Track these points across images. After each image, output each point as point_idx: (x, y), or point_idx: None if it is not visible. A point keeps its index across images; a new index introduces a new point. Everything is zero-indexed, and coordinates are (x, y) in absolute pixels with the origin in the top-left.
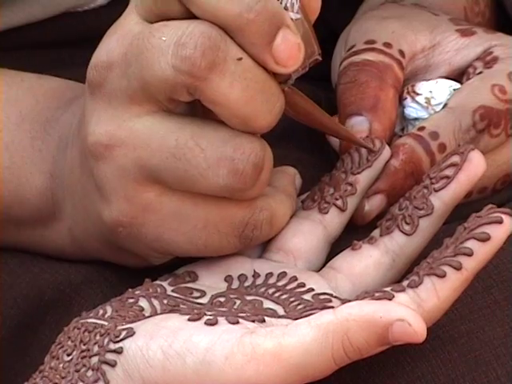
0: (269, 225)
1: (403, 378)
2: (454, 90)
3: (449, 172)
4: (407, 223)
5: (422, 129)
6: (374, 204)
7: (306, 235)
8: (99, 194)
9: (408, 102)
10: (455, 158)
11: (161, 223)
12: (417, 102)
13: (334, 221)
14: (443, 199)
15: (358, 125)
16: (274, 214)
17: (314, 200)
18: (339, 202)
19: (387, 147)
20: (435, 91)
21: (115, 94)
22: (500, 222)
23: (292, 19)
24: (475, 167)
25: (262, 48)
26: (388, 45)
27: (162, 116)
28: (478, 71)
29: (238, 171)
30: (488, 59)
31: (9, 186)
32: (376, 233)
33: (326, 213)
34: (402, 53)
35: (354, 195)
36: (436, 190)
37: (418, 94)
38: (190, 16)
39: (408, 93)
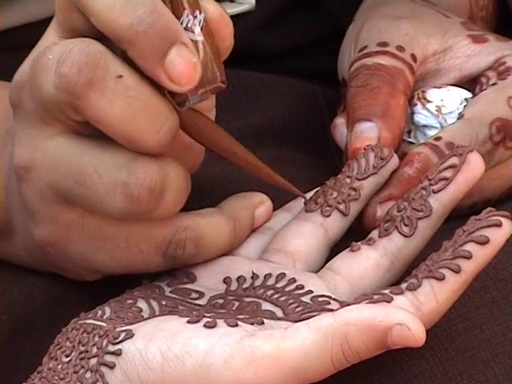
0: (193, 245)
1: (400, 377)
2: (466, 99)
3: (447, 174)
4: (406, 225)
5: (438, 139)
6: (386, 210)
7: (307, 237)
8: (27, 213)
9: (418, 108)
10: (454, 160)
11: (85, 242)
12: (427, 110)
13: (335, 224)
14: (442, 201)
15: (367, 131)
16: (201, 234)
17: (316, 203)
18: (342, 207)
19: (395, 156)
20: (446, 100)
21: (30, 114)
22: (499, 225)
23: (192, 40)
24: (474, 169)
25: (153, 62)
26: (401, 48)
27: (70, 138)
28: (491, 82)
29: (134, 196)
30: (501, 69)
31: None
32: (374, 234)
33: (328, 216)
34: (413, 57)
35: (357, 200)
36: (435, 192)
37: (428, 102)
38: (94, 29)
39: (419, 99)
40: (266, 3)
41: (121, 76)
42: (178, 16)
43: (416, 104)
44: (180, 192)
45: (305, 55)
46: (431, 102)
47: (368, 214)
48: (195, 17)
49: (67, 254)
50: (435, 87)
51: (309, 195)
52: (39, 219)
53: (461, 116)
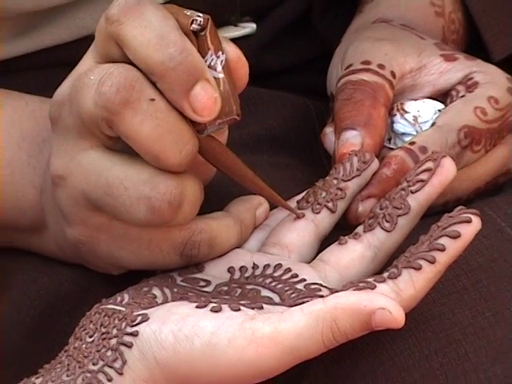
0: (207, 245)
1: (383, 354)
2: (439, 110)
3: (424, 176)
4: (387, 221)
5: (412, 143)
6: (367, 206)
7: (300, 232)
8: (61, 215)
9: (397, 118)
10: (429, 164)
11: (112, 243)
12: (405, 119)
13: (324, 220)
14: (418, 200)
15: (352, 138)
16: (214, 236)
17: (307, 201)
18: (330, 205)
19: (376, 160)
20: (422, 111)
21: (67, 129)
22: (469, 221)
23: (214, 77)
24: (447, 172)
25: (180, 95)
26: (381, 66)
27: (102, 152)
28: (460, 94)
29: (155, 208)
30: (469, 84)
31: (10, 199)
32: (360, 229)
33: (318, 213)
34: (393, 74)
35: (343, 199)
36: (412, 192)
37: (406, 112)
38: (128, 60)
39: (398, 110)
40: (265, 28)
41: (153, 99)
42: (203, 55)
43: (395, 114)
44: (195, 202)
45: (299, 73)
46: (409, 112)
47: (351, 211)
48: (218, 57)
49: (96, 252)
50: (412, 99)
51: (302, 195)
52: (71, 221)
53: (433, 124)
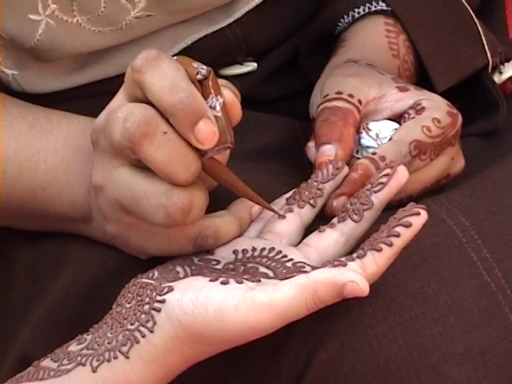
0: (213, 237)
1: (353, 316)
2: (395, 128)
3: (384, 180)
4: (356, 214)
5: (374, 154)
6: (340, 202)
7: (288, 222)
8: (101, 213)
9: (363, 134)
10: (388, 170)
11: (139, 236)
12: (369, 136)
13: (307, 213)
14: (380, 198)
15: (328, 151)
16: (218, 230)
17: (294, 199)
18: (312, 201)
19: (346, 167)
20: (382, 129)
21: (104, 150)
22: (418, 214)
23: (214, 115)
24: (401, 176)
25: (187, 129)
26: (351, 95)
27: (130, 169)
28: (411, 116)
29: (171, 214)
30: (418, 108)
31: (66, 198)
32: (335, 220)
33: (303, 208)
34: (359, 101)
35: (322, 197)
36: (375, 192)
37: (370, 130)
38: (148, 100)
39: (363, 128)
40: (265, 66)
41: (166, 132)
42: (206, 98)
43: (362, 132)
44: (202, 207)
45: (289, 101)
46: (372, 130)
47: (328, 206)
48: (217, 99)
49: (128, 243)
50: (374, 121)
51: (290, 194)
52: (109, 219)
53: (391, 139)
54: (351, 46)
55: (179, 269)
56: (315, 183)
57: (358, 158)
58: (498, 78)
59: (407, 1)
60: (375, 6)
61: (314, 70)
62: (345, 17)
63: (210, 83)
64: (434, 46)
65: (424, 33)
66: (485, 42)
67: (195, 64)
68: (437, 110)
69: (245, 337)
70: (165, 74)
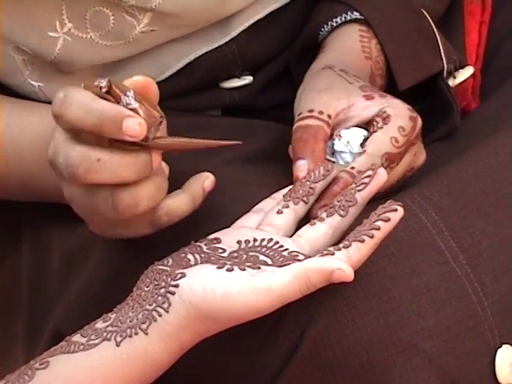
0: (166, 215)
1: (339, 297)
2: (364, 135)
3: (366, 180)
4: (342, 210)
5: (353, 168)
6: (323, 212)
7: (285, 216)
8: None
9: (336, 141)
10: (369, 172)
11: (107, 226)
12: (341, 142)
13: (301, 209)
14: (362, 196)
15: (302, 166)
16: (170, 208)
17: (290, 196)
18: (305, 199)
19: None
20: (352, 136)
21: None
22: (395, 210)
23: (132, 109)
24: (381, 178)
25: (116, 134)
26: (321, 112)
27: (83, 189)
28: (379, 125)
29: (119, 210)
30: (384, 116)
31: (49, 181)
32: (324, 215)
33: (297, 204)
34: (329, 116)
35: (313, 195)
36: (359, 191)
37: (341, 137)
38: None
39: (336, 135)
40: (259, 79)
41: (99, 159)
42: (118, 100)
43: (335, 138)
44: (151, 197)
45: (281, 109)
46: (343, 137)
47: (313, 213)
48: (127, 95)
49: (103, 231)
50: (345, 128)
51: (285, 190)
52: (85, 219)
53: (364, 150)
54: (329, 51)
55: (190, 256)
56: (308, 183)
57: (333, 162)
58: (452, 82)
59: (378, 11)
60: (350, 16)
61: (299, 69)
62: (325, 26)
63: (115, 88)
64: (399, 51)
65: (391, 39)
66: (442, 51)
67: (96, 82)
68: (400, 117)
69: (247, 316)
70: (76, 107)
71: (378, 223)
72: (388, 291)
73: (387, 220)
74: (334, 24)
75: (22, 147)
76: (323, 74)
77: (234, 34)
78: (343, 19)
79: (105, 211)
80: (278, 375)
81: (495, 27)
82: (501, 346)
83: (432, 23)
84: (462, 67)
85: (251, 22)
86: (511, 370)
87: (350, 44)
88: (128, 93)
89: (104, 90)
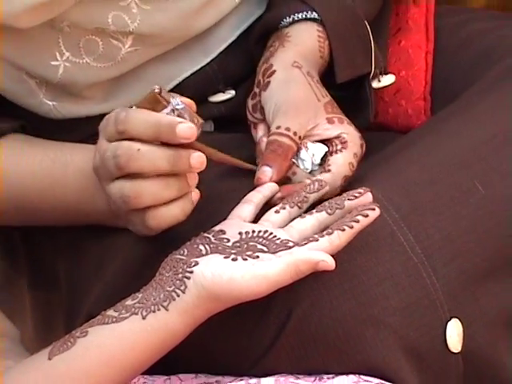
0: (153, 219)
1: (319, 282)
2: (325, 151)
3: (356, 195)
4: (330, 209)
5: (316, 179)
6: (279, 201)
7: (280, 215)
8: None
9: (302, 151)
10: (361, 190)
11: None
12: (306, 153)
13: (294, 212)
14: (349, 204)
15: (267, 172)
16: (161, 215)
17: (287, 201)
18: (299, 204)
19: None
20: (315, 150)
21: (102, 177)
22: (374, 209)
23: (180, 108)
24: (367, 198)
25: (173, 138)
26: (295, 133)
27: (114, 183)
28: (338, 147)
29: (125, 201)
30: (342, 140)
31: (90, 212)
32: (313, 211)
33: (292, 208)
34: (300, 137)
35: (307, 203)
36: (349, 200)
37: (307, 148)
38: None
39: (304, 146)
40: (241, 93)
41: (139, 149)
42: (168, 102)
43: (302, 149)
44: (153, 194)
45: None
46: (309, 149)
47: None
48: (174, 98)
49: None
50: (310, 142)
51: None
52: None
53: (327, 165)
54: (294, 44)
55: (201, 247)
56: (303, 193)
57: (297, 166)
58: (376, 84)
59: (332, 15)
60: (310, 15)
61: (259, 54)
62: (287, 17)
63: (164, 95)
64: (343, 52)
65: (339, 42)
66: (373, 57)
67: (151, 89)
68: (355, 145)
69: (247, 297)
70: (137, 122)
71: (358, 217)
72: (358, 277)
73: (366, 216)
74: (296, 18)
75: (67, 179)
76: (296, 81)
77: (213, 55)
78: (304, 16)
79: (137, 228)
80: (270, 348)
81: (438, 57)
82: (450, 320)
83: (370, 33)
84: (386, 74)
85: (227, 43)
86: (459, 339)
87: (310, 43)
88: (174, 98)
89: (157, 90)
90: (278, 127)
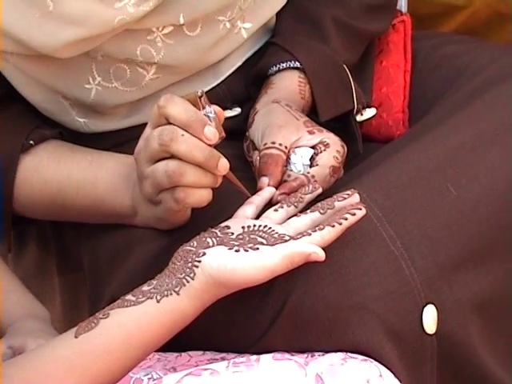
0: (183, 192)
1: (311, 272)
2: (311, 152)
3: (345, 196)
4: (322, 209)
5: (308, 173)
6: (282, 198)
7: (279, 213)
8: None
9: (293, 155)
10: (349, 192)
11: (155, 221)
12: (296, 157)
13: (291, 211)
14: (339, 204)
15: (264, 180)
16: (192, 193)
17: (285, 201)
18: (295, 204)
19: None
20: (303, 153)
21: (142, 159)
22: (360, 208)
23: (211, 116)
24: (354, 198)
25: (199, 133)
26: (280, 144)
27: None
28: (322, 148)
29: (170, 175)
30: (325, 143)
31: (117, 204)
32: (308, 211)
33: (289, 207)
34: (286, 147)
35: (302, 203)
36: (338, 201)
37: (296, 153)
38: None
39: (293, 152)
40: (246, 110)
41: (183, 134)
42: (204, 107)
43: (291, 154)
44: (196, 177)
45: None
46: (297, 153)
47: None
48: (210, 107)
49: (161, 223)
50: (297, 147)
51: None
52: (152, 201)
53: (315, 163)
54: (277, 89)
55: (209, 240)
56: (299, 194)
57: (291, 170)
58: (359, 118)
59: (313, 63)
60: (293, 64)
61: (254, 93)
62: (273, 67)
63: (204, 100)
64: (324, 94)
65: (319, 86)
66: (354, 95)
67: (194, 92)
68: (336, 144)
69: (248, 284)
70: (178, 106)
71: (346, 215)
72: (346, 268)
73: (353, 214)
74: (281, 67)
75: (100, 177)
76: (276, 110)
77: (222, 77)
78: (288, 66)
79: (167, 205)
80: (269, 329)
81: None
82: (426, 305)
83: (350, 74)
84: (369, 107)
85: (235, 68)
86: (434, 322)
87: (292, 87)
88: (208, 107)
89: (199, 94)
90: (265, 144)
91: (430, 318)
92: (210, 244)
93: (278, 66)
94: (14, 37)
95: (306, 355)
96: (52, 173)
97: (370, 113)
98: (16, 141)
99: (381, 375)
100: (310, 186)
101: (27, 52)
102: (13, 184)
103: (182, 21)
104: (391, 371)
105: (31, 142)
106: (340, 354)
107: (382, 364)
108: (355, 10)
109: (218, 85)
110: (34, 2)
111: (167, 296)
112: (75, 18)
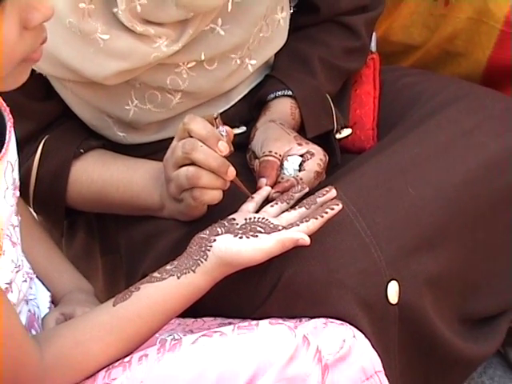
0: (199, 192)
1: (299, 254)
2: (300, 160)
3: (324, 192)
4: (307, 205)
5: (297, 176)
6: (276, 196)
7: (274, 208)
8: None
9: (285, 162)
10: (327, 189)
11: (178, 214)
12: (288, 162)
13: (283, 207)
14: (320, 200)
15: (263, 180)
16: (206, 192)
17: (279, 198)
18: (287, 201)
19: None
20: (294, 160)
21: (169, 164)
22: (338, 204)
23: (222, 134)
24: (332, 194)
25: (214, 146)
26: (276, 153)
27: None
28: (308, 157)
29: (188, 176)
30: (311, 153)
31: (147, 200)
32: (297, 207)
33: (282, 203)
34: (280, 155)
35: (292, 200)
36: (319, 197)
37: (288, 160)
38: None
39: (285, 159)
40: (249, 128)
41: (202, 146)
42: (218, 127)
43: (284, 160)
44: (209, 180)
45: None
46: (289, 160)
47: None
48: (223, 127)
49: (174, 216)
50: (290, 156)
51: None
52: (176, 199)
53: (303, 168)
54: (273, 112)
55: (218, 229)
56: (290, 193)
57: (284, 173)
58: (338, 136)
59: (302, 92)
60: (287, 93)
61: (256, 114)
62: (271, 94)
63: (218, 120)
64: (311, 117)
65: (307, 110)
66: (335, 118)
67: (214, 115)
68: (319, 154)
69: (249, 264)
70: (199, 123)
71: (327, 210)
72: (327, 252)
73: (332, 209)
74: (277, 95)
75: (135, 179)
76: (272, 127)
77: (232, 102)
78: (282, 93)
79: (186, 202)
80: (266, 300)
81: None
82: (390, 281)
83: (331, 102)
84: (346, 127)
85: (242, 95)
86: (396, 295)
87: (284, 110)
88: (223, 127)
89: (215, 115)
90: (264, 152)
91: (393, 291)
92: (220, 232)
93: (274, 93)
94: (72, 67)
95: (295, 320)
96: (97, 175)
97: (346, 132)
98: (69, 149)
99: (354, 336)
100: (299, 187)
101: (81, 79)
102: (66, 184)
103: (202, 57)
104: (362, 333)
105: (81, 150)
106: (322, 320)
107: (355, 327)
108: (337, 51)
109: (228, 108)
110: (88, 39)
111: (185, 274)
112: (121, 53)
